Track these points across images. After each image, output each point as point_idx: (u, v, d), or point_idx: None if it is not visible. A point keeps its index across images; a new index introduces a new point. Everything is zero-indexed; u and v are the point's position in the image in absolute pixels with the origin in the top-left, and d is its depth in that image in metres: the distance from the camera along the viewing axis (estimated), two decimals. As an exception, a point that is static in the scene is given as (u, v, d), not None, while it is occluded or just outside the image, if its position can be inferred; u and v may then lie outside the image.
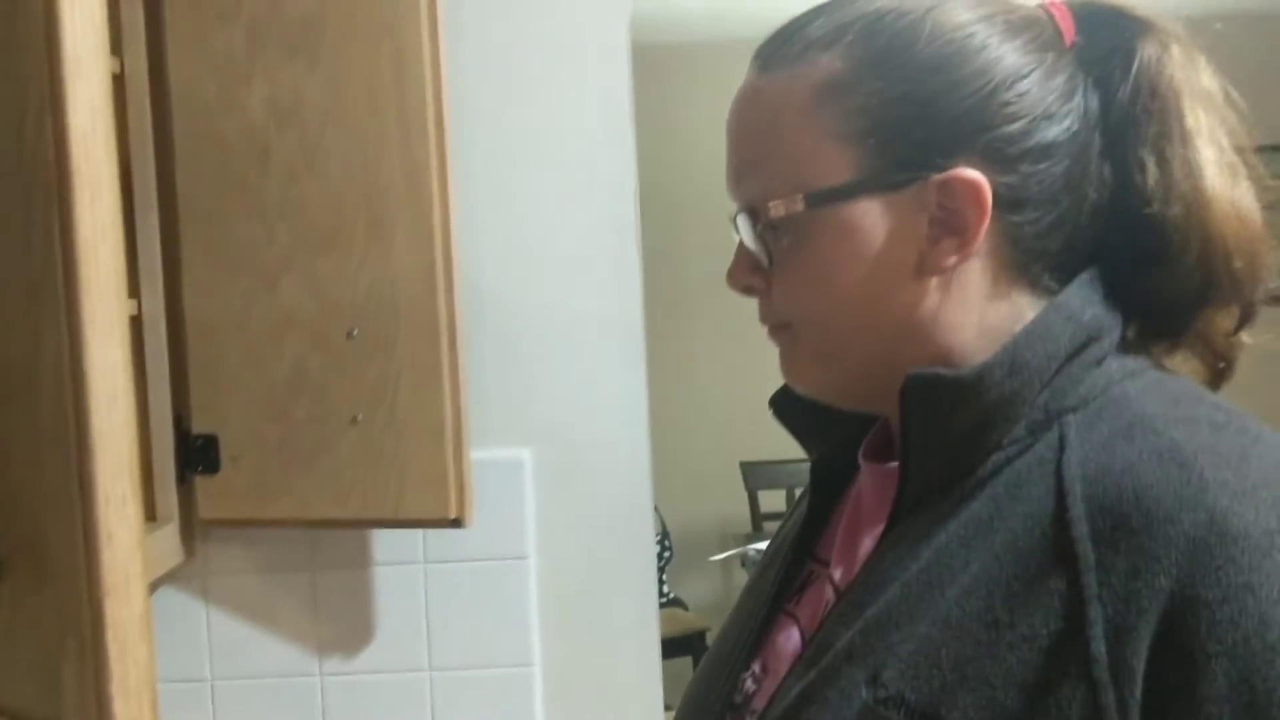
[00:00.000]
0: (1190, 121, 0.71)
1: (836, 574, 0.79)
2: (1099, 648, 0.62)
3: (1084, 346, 0.71)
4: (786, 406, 0.83)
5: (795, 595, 0.82)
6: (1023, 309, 0.73)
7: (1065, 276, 0.73)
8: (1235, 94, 0.73)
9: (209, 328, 1.38)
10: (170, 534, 1.44)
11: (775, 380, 0.81)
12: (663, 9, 3.73)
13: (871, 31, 0.71)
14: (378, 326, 1.33)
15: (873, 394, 0.76)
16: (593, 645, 1.52)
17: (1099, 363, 0.72)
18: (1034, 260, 0.73)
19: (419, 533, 1.50)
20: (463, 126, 1.44)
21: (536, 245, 1.51)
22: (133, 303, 1.42)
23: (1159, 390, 0.72)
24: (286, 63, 1.33)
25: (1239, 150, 0.73)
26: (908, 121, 0.70)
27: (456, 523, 1.34)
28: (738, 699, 0.79)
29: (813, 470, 0.86)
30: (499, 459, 1.49)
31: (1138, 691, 0.61)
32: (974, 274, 0.72)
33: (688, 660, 3.88)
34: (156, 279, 1.41)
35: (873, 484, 0.80)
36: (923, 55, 0.70)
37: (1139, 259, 0.72)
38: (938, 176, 0.70)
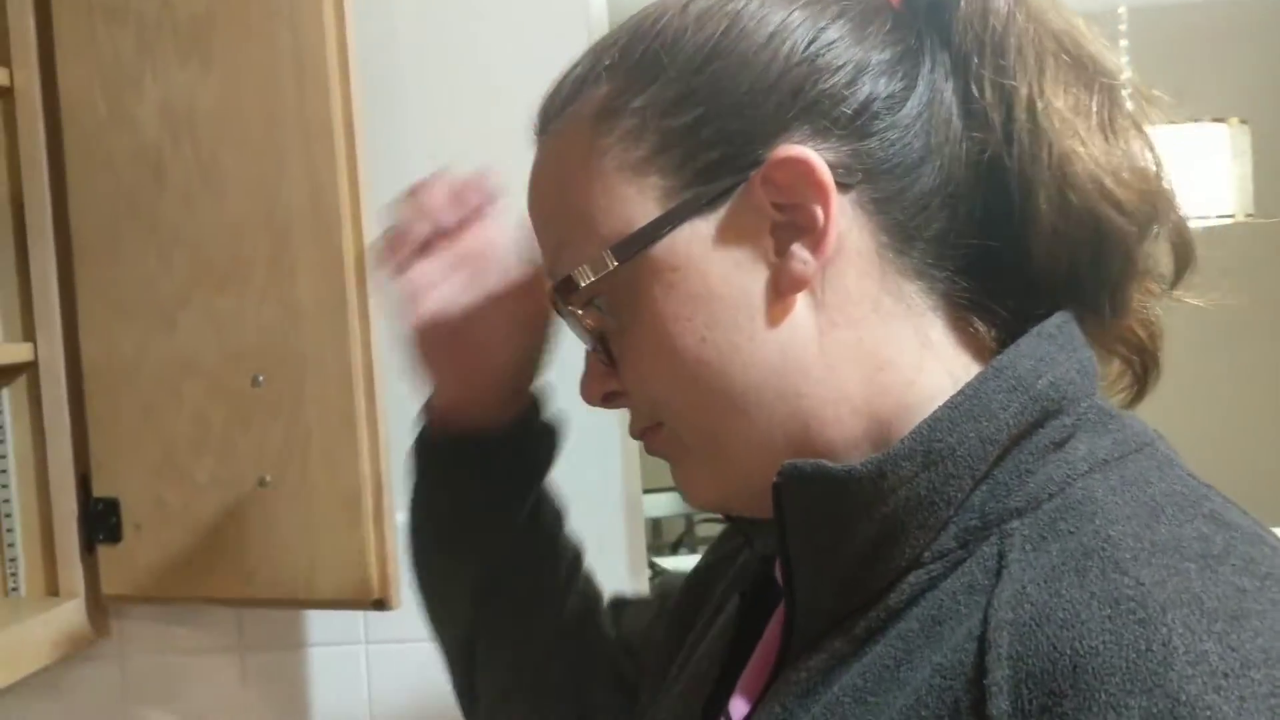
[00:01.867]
0: (1029, 59, 0.56)
1: (735, 711, 0.62)
2: None
3: (1037, 425, 0.54)
4: None
5: None
6: (929, 323, 0.57)
7: (985, 286, 0.57)
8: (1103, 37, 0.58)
9: (104, 375, 1.20)
10: (75, 610, 1.26)
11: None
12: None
13: (629, 43, 0.59)
14: (284, 373, 1.13)
15: None
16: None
17: (1060, 445, 0.53)
18: (929, 252, 0.57)
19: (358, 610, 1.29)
20: (387, 138, 1.23)
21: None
22: (28, 348, 1.25)
23: (1138, 491, 0.51)
24: (179, 67, 1.14)
25: (1114, 91, 0.57)
26: (697, 123, 0.56)
27: (380, 604, 1.13)
28: None
29: (755, 570, 0.69)
30: (449, 522, 1.28)
31: None
32: (850, 279, 0.56)
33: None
34: (54, 321, 1.24)
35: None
36: (690, 47, 0.57)
37: (1016, 220, 0.56)
38: (758, 172, 0.55)
